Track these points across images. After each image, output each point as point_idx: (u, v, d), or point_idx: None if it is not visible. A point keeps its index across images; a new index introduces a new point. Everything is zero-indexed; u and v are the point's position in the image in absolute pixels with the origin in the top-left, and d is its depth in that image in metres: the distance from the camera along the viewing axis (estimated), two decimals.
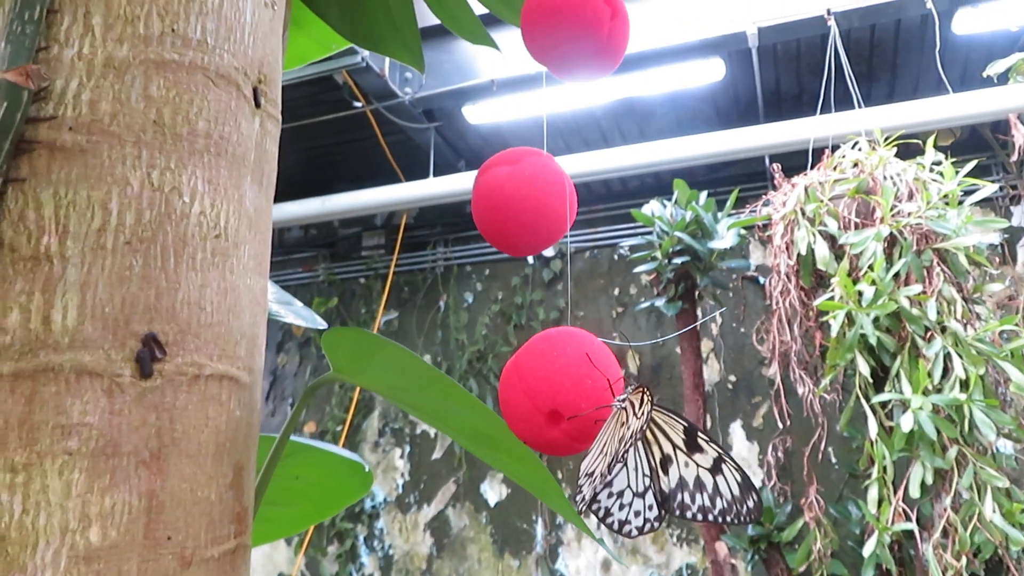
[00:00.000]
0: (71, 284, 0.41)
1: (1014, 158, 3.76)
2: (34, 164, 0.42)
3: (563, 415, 0.50)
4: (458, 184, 4.20)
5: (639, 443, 0.55)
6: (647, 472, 0.55)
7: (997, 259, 3.93)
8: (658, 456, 0.55)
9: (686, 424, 0.56)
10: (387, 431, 4.99)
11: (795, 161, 3.68)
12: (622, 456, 0.53)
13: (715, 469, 0.54)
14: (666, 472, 0.55)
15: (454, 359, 4.87)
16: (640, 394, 0.53)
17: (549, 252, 4.83)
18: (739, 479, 0.54)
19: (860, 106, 3.45)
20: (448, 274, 5.08)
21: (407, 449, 4.92)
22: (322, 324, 0.73)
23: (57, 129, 0.43)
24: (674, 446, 0.55)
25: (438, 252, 5.10)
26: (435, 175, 4.37)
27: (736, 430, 4.27)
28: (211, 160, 0.46)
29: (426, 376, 0.49)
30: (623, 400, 0.53)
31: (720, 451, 0.55)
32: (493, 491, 4.68)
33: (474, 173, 3.57)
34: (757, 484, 4.15)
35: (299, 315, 0.67)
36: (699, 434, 0.55)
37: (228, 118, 0.48)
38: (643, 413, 0.52)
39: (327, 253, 5.36)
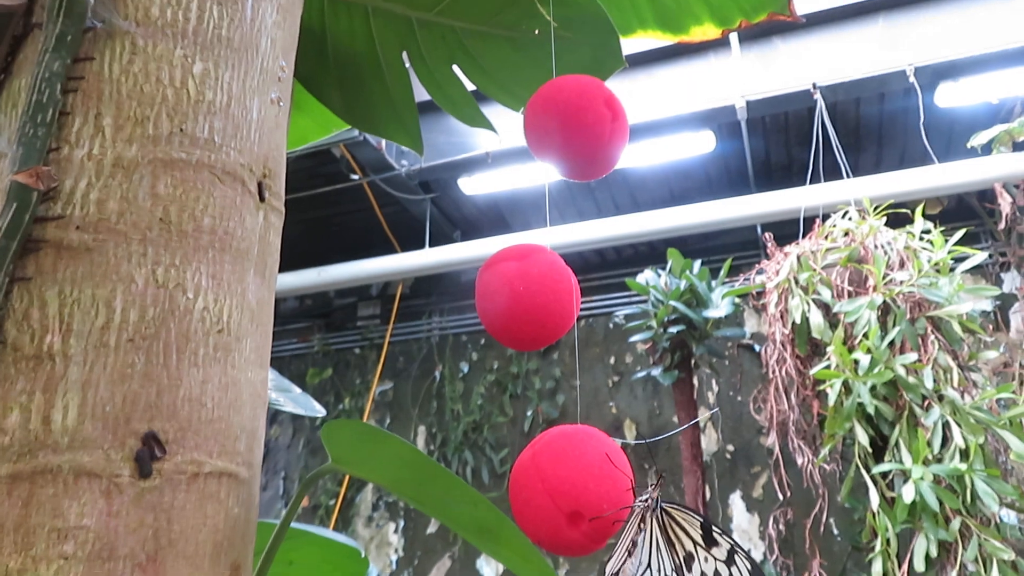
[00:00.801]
0: (72, 383, 0.41)
1: (1001, 226, 3.82)
2: (40, 263, 0.43)
3: (585, 516, 0.50)
4: (454, 254, 4.23)
5: (662, 545, 0.55)
6: (669, 574, 0.55)
7: (991, 326, 3.94)
8: (681, 555, 0.55)
9: (702, 519, 0.57)
10: (381, 504, 4.90)
11: (787, 229, 3.72)
12: (633, 540, 0.53)
13: (729, 560, 0.55)
14: (689, 570, 0.55)
15: (449, 430, 4.82)
16: (658, 479, 0.54)
17: None
18: (749, 567, 0.55)
19: (848, 176, 3.52)
20: (443, 343, 5.07)
21: (401, 523, 4.82)
22: (320, 412, 0.72)
23: (64, 228, 0.43)
24: (694, 543, 0.56)
25: (433, 321, 5.10)
26: (431, 245, 4.40)
27: (736, 501, 4.21)
28: (215, 255, 0.47)
29: (427, 469, 0.48)
30: (644, 500, 0.53)
31: (732, 542, 0.56)
32: (490, 567, 4.57)
33: (469, 243, 3.59)
34: (759, 558, 4.06)
35: (298, 403, 0.67)
36: (713, 528, 0.56)
37: (233, 213, 0.48)
38: (653, 493, 0.54)
39: (322, 323, 5.36)
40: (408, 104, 1.02)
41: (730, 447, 4.31)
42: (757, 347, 4.34)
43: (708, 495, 4.12)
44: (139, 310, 0.43)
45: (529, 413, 4.69)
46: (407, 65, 0.99)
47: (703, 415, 4.40)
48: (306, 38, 0.96)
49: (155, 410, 0.43)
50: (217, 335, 0.46)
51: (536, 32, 0.96)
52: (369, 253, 4.50)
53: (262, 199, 0.51)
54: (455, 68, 1.00)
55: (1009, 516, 2.86)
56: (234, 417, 0.47)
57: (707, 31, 1.35)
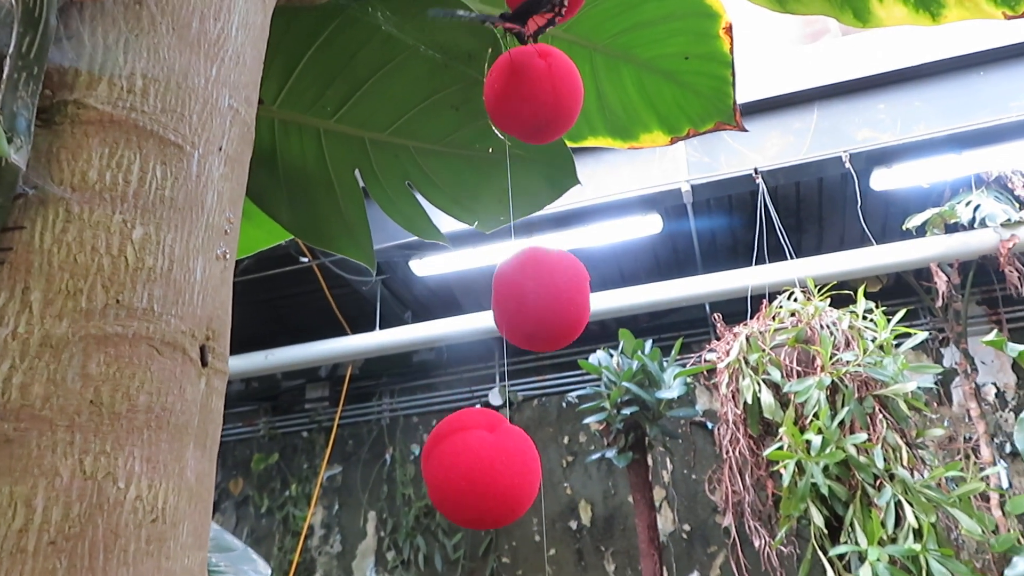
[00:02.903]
0: None
1: (939, 303, 3.94)
2: None
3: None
4: (405, 335, 4.18)
5: None
6: None
7: (935, 402, 4.03)
8: None
9: None
10: None
11: (734, 307, 3.78)
12: None
13: None
14: None
15: (401, 515, 4.68)
16: None
17: (497, 400, 4.78)
18: None
19: (791, 256, 3.61)
20: (394, 425, 4.96)
21: None
22: (265, 573, 0.67)
23: None
24: None
25: (384, 403, 5.00)
26: (381, 326, 4.35)
27: None
28: (151, 436, 0.43)
29: None
30: None
31: None
32: None
33: (421, 325, 3.54)
34: None
35: (239, 563, 0.62)
36: None
37: (172, 387, 0.45)
38: None
39: (268, 406, 5.21)
40: (360, 219, 1.00)
41: (686, 527, 4.27)
42: (710, 424, 4.35)
43: None
44: (63, 507, 0.39)
45: None
46: (360, 182, 0.98)
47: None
48: (256, 156, 0.94)
49: None
50: (151, 525, 0.42)
51: (491, 151, 0.96)
52: (318, 335, 4.42)
53: (204, 364, 0.48)
54: (408, 184, 1.00)
55: None
56: None
57: (656, 139, 1.37)
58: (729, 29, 1.25)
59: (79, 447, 0.41)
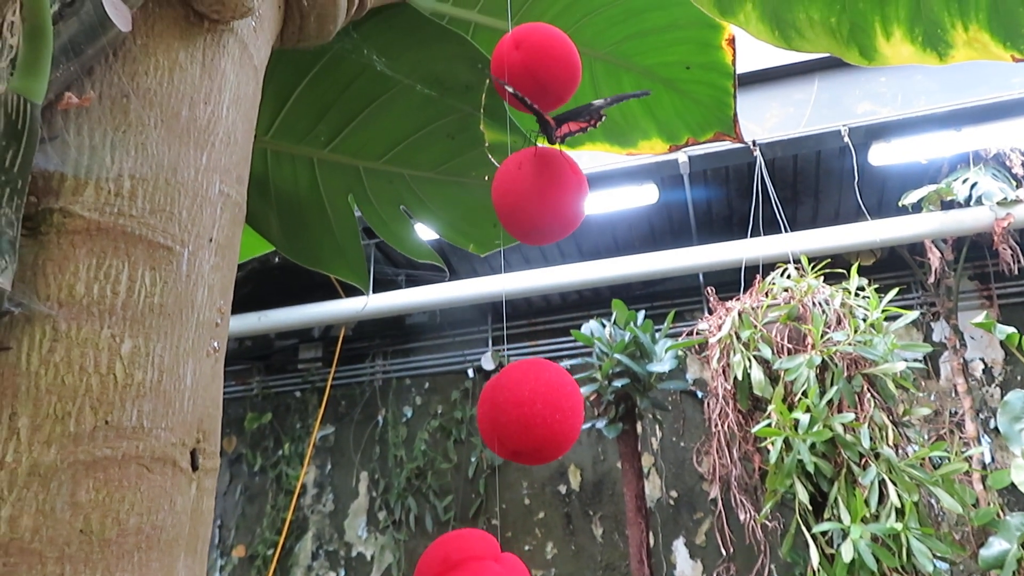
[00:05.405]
0: None
1: (931, 279, 3.95)
2: None
3: None
4: (398, 299, 4.18)
5: None
6: None
7: (923, 378, 4.06)
8: None
9: None
10: (321, 554, 4.78)
11: (728, 277, 3.79)
12: None
13: None
14: None
15: (392, 476, 4.74)
16: None
17: (489, 365, 4.81)
18: None
19: (786, 229, 3.59)
20: (387, 387, 4.99)
21: (342, 573, 4.71)
22: None
23: None
24: None
25: (377, 365, 5.02)
26: (375, 290, 4.34)
27: (679, 548, 4.23)
28: (141, 557, 0.43)
29: None
30: None
31: None
32: None
33: (414, 289, 3.51)
34: None
35: None
36: None
37: (162, 503, 0.45)
38: None
39: (262, 366, 5.22)
40: (353, 241, 0.99)
41: (673, 493, 4.34)
42: (699, 394, 4.39)
43: (652, 543, 4.14)
44: None
45: (473, 459, 4.65)
46: (353, 206, 0.96)
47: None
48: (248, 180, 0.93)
49: None
50: None
51: (486, 178, 0.94)
52: (311, 296, 4.41)
53: (195, 467, 0.48)
54: (402, 208, 0.98)
55: (942, 562, 2.94)
56: None
57: (655, 146, 1.35)
58: (732, 41, 1.22)
59: None
